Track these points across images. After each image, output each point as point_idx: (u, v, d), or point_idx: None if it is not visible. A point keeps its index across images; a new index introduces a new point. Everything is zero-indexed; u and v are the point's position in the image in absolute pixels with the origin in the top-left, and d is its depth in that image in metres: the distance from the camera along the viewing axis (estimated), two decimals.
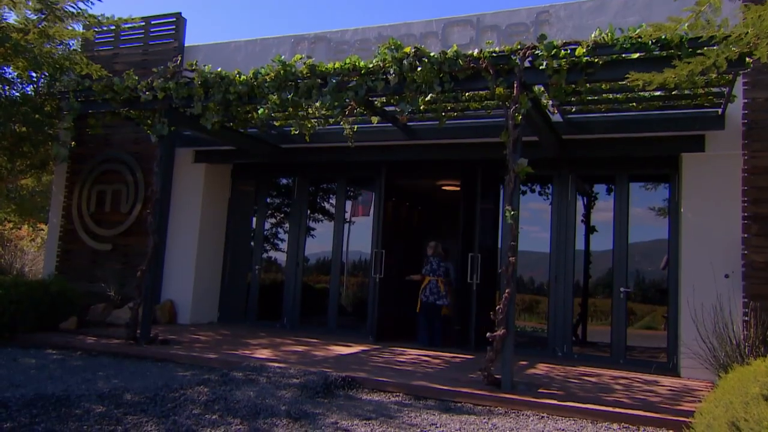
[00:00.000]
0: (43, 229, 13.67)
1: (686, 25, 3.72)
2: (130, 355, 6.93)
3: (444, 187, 11.44)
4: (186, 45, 10.61)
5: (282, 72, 6.77)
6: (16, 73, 8.65)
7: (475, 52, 6.00)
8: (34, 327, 7.80)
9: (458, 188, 10.96)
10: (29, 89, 9.96)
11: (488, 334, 5.67)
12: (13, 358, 6.55)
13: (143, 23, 10.68)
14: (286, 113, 7.83)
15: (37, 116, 8.84)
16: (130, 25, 10.54)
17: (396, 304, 9.92)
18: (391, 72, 6.25)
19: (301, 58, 6.80)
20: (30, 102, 9.22)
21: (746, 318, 6.51)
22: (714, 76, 5.24)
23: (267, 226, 10.79)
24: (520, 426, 4.82)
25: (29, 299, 7.67)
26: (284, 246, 10.43)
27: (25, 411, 4.73)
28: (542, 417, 5.08)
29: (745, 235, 7.02)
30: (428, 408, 5.24)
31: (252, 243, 10.72)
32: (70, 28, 9.14)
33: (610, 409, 5.11)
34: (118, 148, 10.65)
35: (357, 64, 6.47)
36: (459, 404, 5.38)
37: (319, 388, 5.54)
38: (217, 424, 4.56)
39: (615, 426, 4.89)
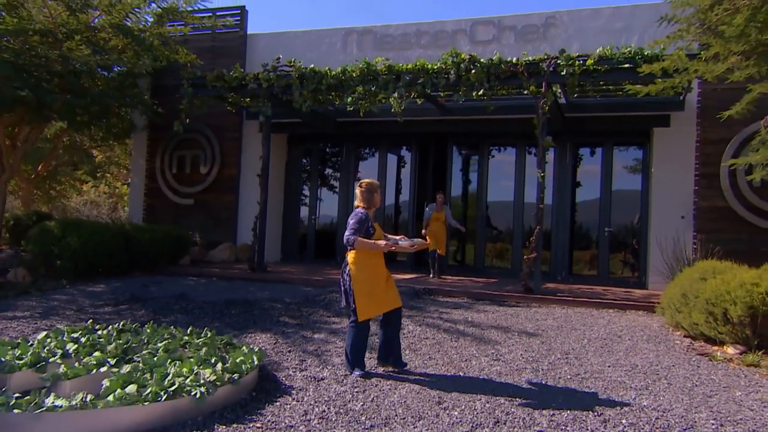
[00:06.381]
0: (117, 188, 15.72)
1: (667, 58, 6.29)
2: (255, 279, 9.36)
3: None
4: (248, 33, 12.64)
5: (366, 69, 9.07)
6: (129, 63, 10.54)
7: (514, 59, 8.43)
8: (166, 262, 10.14)
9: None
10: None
11: (525, 257, 8.32)
12: (175, 282, 8.92)
13: (210, 14, 12.59)
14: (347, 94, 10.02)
15: (146, 97, 10.88)
16: (199, 15, 12.44)
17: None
18: (452, 72, 8.63)
19: (382, 60, 9.09)
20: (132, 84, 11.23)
21: (695, 245, 9.34)
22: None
23: (319, 184, 13.16)
24: (551, 311, 7.51)
25: (163, 241, 9.98)
26: (334, 201, 12.87)
27: (230, 306, 7.18)
28: (563, 307, 7.79)
29: (696, 188, 9.77)
30: (487, 304, 7.89)
31: (307, 199, 13.11)
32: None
33: (606, 301, 7.87)
34: (194, 120, 12.70)
35: (425, 65, 8.81)
36: (506, 302, 8.04)
37: (412, 294, 8.12)
38: None
39: (611, 311, 7.65)
